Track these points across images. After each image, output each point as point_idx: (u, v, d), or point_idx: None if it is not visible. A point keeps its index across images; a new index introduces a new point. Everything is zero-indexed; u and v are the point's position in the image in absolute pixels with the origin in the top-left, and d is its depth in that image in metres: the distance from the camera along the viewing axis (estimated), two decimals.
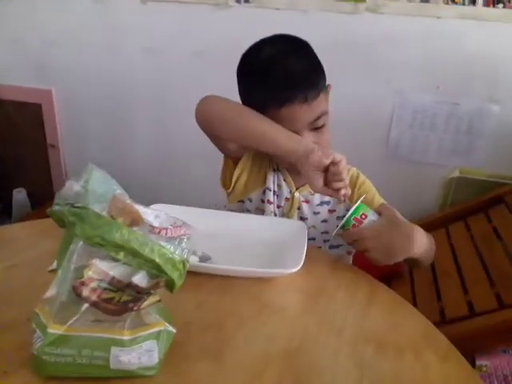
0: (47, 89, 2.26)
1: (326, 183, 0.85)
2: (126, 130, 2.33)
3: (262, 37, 0.96)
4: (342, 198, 0.85)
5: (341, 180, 0.83)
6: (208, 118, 0.94)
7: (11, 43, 2.23)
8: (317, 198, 1.05)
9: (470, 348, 1.25)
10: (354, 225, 0.82)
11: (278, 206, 1.06)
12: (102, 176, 0.58)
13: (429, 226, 1.90)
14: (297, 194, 1.05)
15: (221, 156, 1.08)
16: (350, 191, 0.86)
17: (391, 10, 1.82)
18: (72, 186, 0.56)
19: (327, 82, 0.97)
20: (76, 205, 0.54)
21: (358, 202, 0.85)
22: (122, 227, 0.53)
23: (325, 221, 1.05)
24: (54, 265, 0.76)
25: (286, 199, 1.06)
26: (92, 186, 0.56)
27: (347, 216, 0.83)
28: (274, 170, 1.06)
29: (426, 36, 1.83)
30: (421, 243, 0.83)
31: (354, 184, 1.05)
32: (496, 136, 1.87)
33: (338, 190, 0.84)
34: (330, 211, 1.06)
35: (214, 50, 2.02)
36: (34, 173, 2.44)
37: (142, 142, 2.33)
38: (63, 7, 2.12)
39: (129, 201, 0.56)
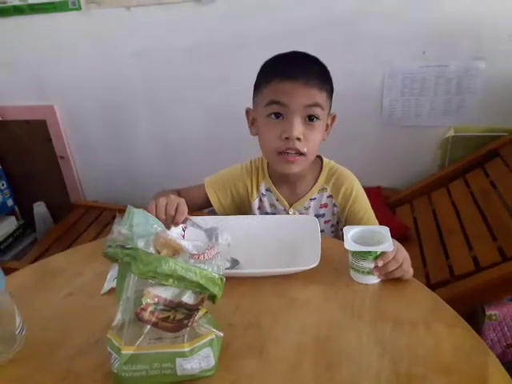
0: (49, 104, 2.35)
1: None
2: (129, 131, 2.42)
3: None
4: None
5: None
6: None
7: (8, 65, 2.29)
8: (311, 212, 1.12)
9: (480, 300, 1.36)
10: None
11: None
12: (142, 216, 0.69)
13: (430, 187, 1.99)
14: (291, 211, 1.12)
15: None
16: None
17: None
18: (120, 231, 0.66)
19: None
20: (127, 246, 0.64)
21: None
22: (169, 260, 0.63)
23: (322, 231, 1.05)
24: (105, 288, 0.88)
25: None
26: (137, 228, 0.66)
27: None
28: (262, 195, 1.13)
29: (406, 4, 1.88)
30: None
31: (346, 200, 1.09)
32: (485, 92, 1.94)
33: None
34: (326, 222, 1.13)
35: (201, 44, 2.08)
36: (49, 186, 2.54)
37: (145, 139, 2.42)
38: (52, 23, 2.17)
39: (170, 236, 0.67)
